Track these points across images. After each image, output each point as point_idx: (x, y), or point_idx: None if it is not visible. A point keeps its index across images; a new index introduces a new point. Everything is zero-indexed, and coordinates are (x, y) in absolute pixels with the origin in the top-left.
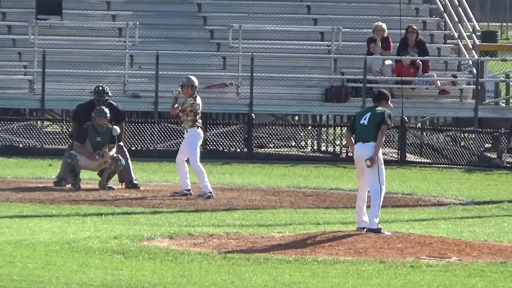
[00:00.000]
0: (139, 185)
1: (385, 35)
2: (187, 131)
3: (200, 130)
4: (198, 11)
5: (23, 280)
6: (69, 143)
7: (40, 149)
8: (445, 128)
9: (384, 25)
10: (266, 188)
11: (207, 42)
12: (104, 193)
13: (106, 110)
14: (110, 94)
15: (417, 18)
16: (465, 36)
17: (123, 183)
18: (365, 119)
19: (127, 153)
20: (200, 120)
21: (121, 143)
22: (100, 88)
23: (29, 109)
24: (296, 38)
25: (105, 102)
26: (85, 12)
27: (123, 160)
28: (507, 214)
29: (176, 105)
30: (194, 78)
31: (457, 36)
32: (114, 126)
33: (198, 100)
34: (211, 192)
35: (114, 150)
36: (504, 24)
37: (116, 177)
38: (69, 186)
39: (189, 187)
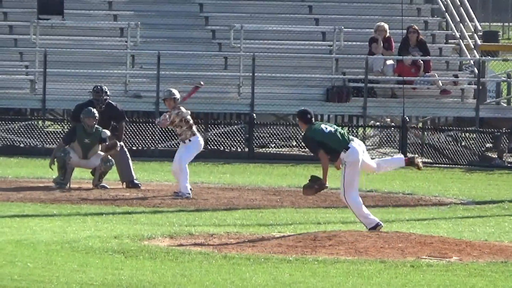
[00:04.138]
0: (140, 184)
1: (387, 35)
2: (190, 140)
3: (201, 139)
4: (200, 11)
5: (24, 280)
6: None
7: (41, 149)
8: (446, 128)
9: (386, 25)
10: (267, 188)
11: (209, 42)
12: (104, 193)
13: (94, 110)
14: (108, 93)
15: (419, 18)
16: (467, 36)
17: (124, 183)
18: (328, 127)
19: (127, 153)
20: (195, 126)
21: (122, 143)
22: (98, 87)
23: (30, 109)
24: (297, 38)
25: (104, 101)
26: (87, 12)
27: (113, 161)
28: (508, 214)
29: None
30: (175, 91)
31: (458, 36)
32: (104, 130)
33: (183, 109)
34: (189, 194)
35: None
36: (506, 24)
37: (117, 176)
38: (54, 185)
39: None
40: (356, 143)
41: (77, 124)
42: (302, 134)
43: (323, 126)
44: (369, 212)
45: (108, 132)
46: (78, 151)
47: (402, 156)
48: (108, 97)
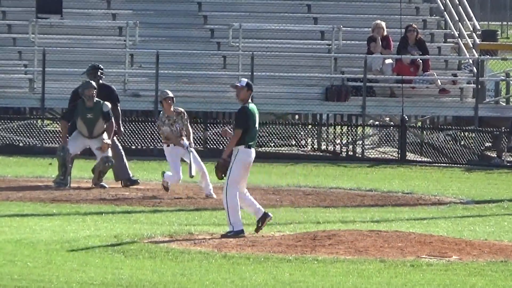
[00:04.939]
0: (138, 180)
1: (385, 34)
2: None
3: None
4: (199, 10)
5: (23, 279)
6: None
7: (40, 148)
8: (445, 127)
9: (383, 23)
10: (266, 187)
11: (208, 41)
12: (104, 192)
13: (92, 82)
14: (103, 71)
15: (418, 17)
16: (465, 35)
17: (122, 182)
18: (257, 122)
19: (122, 150)
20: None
21: (116, 140)
22: (95, 64)
23: (29, 108)
24: (296, 37)
25: (100, 78)
26: (86, 11)
27: (113, 161)
28: (507, 213)
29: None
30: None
31: (457, 35)
32: (105, 102)
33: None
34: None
35: (111, 130)
36: (504, 23)
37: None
38: (53, 184)
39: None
40: (254, 153)
41: (77, 101)
42: (242, 105)
43: (257, 116)
44: (240, 218)
45: (109, 105)
46: (83, 129)
47: (262, 212)
48: (103, 74)
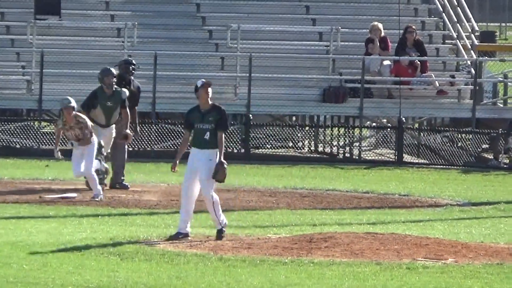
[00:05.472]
0: (128, 185)
1: (382, 35)
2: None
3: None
4: (197, 11)
5: (19, 282)
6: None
7: (37, 150)
8: (442, 128)
9: (380, 25)
10: (263, 189)
11: (206, 42)
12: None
13: (112, 69)
14: (135, 64)
15: (416, 18)
16: (464, 36)
17: (111, 184)
18: None
19: (126, 153)
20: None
21: (125, 145)
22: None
23: (26, 109)
24: (294, 39)
25: (132, 74)
26: (84, 12)
27: (108, 168)
28: (503, 215)
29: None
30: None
31: (455, 36)
32: (123, 89)
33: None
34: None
35: (127, 120)
36: (503, 24)
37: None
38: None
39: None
40: None
41: (96, 89)
42: (208, 105)
43: None
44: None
45: (127, 92)
46: (101, 118)
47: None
48: (134, 70)
